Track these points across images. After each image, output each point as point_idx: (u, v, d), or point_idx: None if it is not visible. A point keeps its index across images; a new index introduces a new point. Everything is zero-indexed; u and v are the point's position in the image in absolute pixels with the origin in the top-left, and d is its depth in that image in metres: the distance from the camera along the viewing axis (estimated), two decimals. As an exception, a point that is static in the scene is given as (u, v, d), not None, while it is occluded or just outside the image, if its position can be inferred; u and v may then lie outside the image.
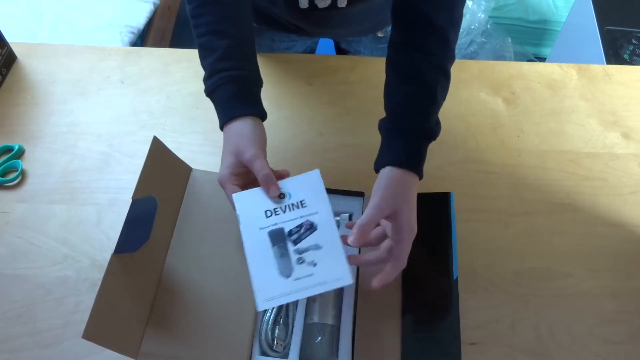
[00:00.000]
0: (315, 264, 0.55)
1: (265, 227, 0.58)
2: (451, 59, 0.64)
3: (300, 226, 0.57)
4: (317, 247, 0.56)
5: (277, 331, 0.62)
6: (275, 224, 0.58)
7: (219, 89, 0.62)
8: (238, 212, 0.58)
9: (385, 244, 0.59)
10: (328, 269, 0.55)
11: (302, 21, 0.87)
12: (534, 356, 0.64)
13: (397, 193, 0.58)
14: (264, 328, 0.61)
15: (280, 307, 0.63)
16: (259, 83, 0.65)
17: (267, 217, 0.58)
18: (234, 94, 0.62)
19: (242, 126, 0.60)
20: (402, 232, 0.57)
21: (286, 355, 0.61)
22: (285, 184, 0.60)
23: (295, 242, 0.57)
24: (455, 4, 0.64)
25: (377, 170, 0.62)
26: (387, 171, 0.60)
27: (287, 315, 0.63)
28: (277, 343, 0.61)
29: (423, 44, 0.63)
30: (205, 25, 0.64)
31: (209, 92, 0.63)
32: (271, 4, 0.84)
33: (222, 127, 0.62)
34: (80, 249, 0.72)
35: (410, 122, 0.62)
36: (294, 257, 0.56)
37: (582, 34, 1.52)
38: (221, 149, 0.80)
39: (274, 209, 0.58)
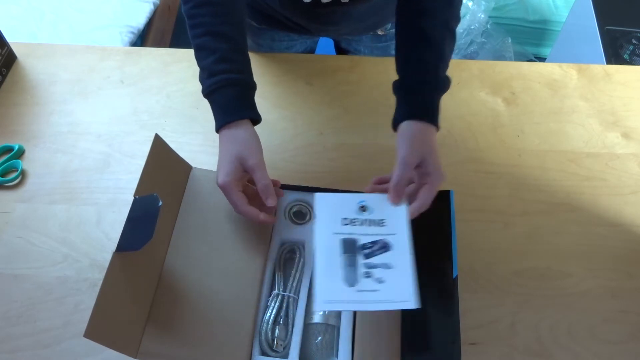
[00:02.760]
0: (382, 282, 0.57)
1: (340, 234, 0.59)
2: (456, 19, 0.67)
3: (374, 242, 0.59)
4: (387, 266, 0.57)
5: (277, 331, 0.61)
6: (351, 234, 0.59)
7: (219, 90, 0.63)
8: (316, 211, 0.60)
9: (410, 189, 0.63)
10: (395, 289, 0.56)
11: (303, 17, 0.87)
12: (534, 356, 0.64)
13: (421, 143, 0.61)
14: (264, 328, 0.61)
15: (280, 307, 0.63)
16: (254, 87, 0.66)
17: (344, 224, 0.60)
18: (234, 96, 0.63)
19: (243, 132, 0.62)
20: (430, 176, 0.60)
21: (286, 355, 0.61)
22: (370, 199, 0.61)
23: (367, 257, 0.58)
24: None
25: (394, 128, 0.64)
26: (406, 125, 0.62)
27: (287, 315, 0.63)
28: (277, 343, 0.61)
29: (428, 7, 0.65)
30: (204, 25, 0.64)
31: (208, 93, 0.64)
32: (272, 2, 0.84)
33: (219, 129, 0.63)
34: (80, 249, 0.72)
35: (422, 77, 0.64)
36: (361, 269, 0.57)
37: (582, 34, 1.52)
38: (221, 149, 0.81)
39: (353, 219, 0.60)
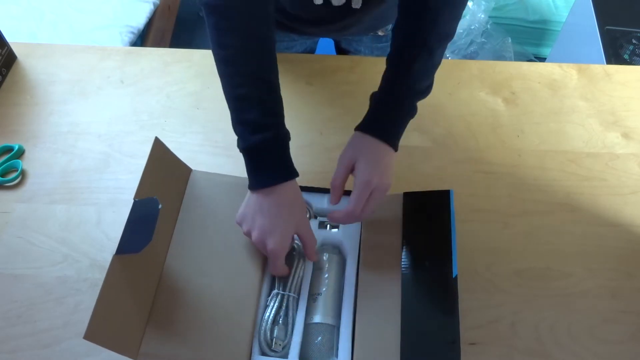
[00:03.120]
0: None
1: None
2: (439, 37, 0.65)
3: None
4: None
5: (276, 331, 0.61)
6: None
7: (270, 149, 0.61)
8: None
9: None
10: None
11: (311, 18, 0.85)
12: (534, 356, 0.64)
13: (355, 148, 0.64)
14: (262, 327, 0.61)
15: (279, 306, 0.63)
16: (289, 138, 0.65)
17: None
18: (287, 156, 0.63)
19: (298, 193, 0.64)
20: (355, 182, 0.62)
21: (286, 355, 0.61)
22: None
23: None
24: None
25: None
26: (352, 135, 0.66)
27: (286, 315, 0.63)
28: (275, 343, 0.61)
29: (413, 22, 0.65)
30: (244, 75, 0.61)
31: (252, 149, 0.61)
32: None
33: (267, 187, 0.61)
34: (80, 249, 0.72)
35: (379, 91, 0.66)
36: None
37: (582, 34, 1.52)
38: (220, 149, 0.81)
39: None
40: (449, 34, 0.66)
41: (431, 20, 0.64)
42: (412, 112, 0.66)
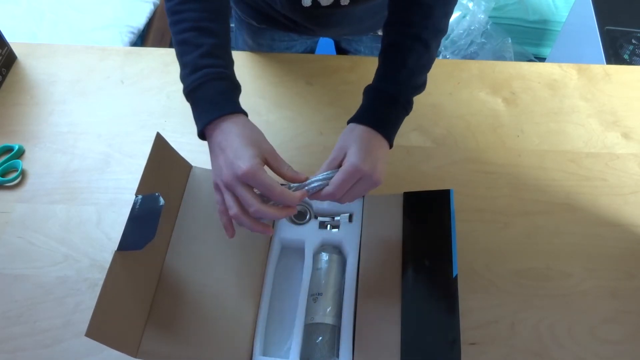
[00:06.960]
0: None
1: None
2: (434, 32, 0.65)
3: None
4: None
5: None
6: None
7: (208, 84, 0.59)
8: None
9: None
10: None
11: (303, 19, 0.87)
12: (534, 356, 0.64)
13: (346, 137, 0.60)
14: None
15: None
16: (240, 89, 0.62)
17: None
18: (226, 89, 0.59)
19: (247, 121, 0.59)
20: (343, 166, 0.58)
21: (287, 355, 0.61)
22: None
23: None
24: None
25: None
26: (347, 127, 0.62)
27: None
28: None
29: (406, 16, 0.65)
30: (188, 21, 0.61)
31: (193, 88, 0.60)
32: (273, 2, 0.84)
33: (211, 123, 0.58)
34: (80, 249, 0.72)
35: (375, 83, 0.65)
36: None
37: (582, 34, 1.52)
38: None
39: None
40: (443, 29, 0.66)
41: (425, 16, 0.64)
42: (407, 107, 0.64)
